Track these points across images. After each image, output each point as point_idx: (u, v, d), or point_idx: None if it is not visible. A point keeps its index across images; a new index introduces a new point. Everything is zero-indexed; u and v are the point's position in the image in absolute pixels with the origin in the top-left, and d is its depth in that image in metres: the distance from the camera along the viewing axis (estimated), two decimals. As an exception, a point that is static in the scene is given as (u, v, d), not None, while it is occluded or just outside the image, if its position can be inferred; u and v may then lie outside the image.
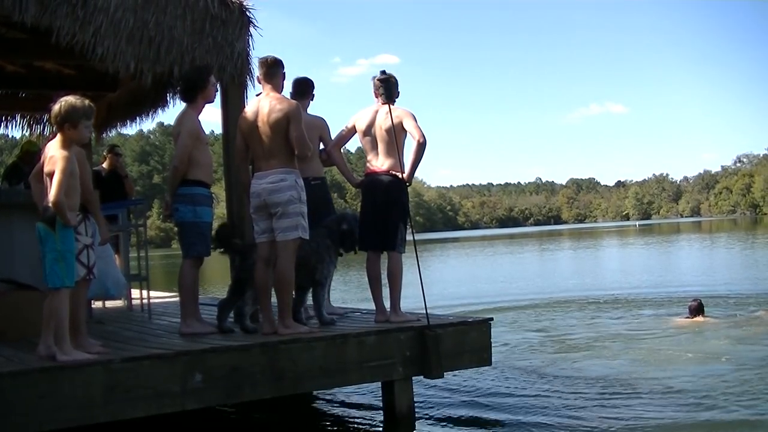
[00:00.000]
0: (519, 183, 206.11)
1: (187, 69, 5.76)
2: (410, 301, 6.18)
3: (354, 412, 5.92)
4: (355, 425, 5.62)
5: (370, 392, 6.22)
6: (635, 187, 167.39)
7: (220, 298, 6.00)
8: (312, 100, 6.39)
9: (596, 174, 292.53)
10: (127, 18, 5.63)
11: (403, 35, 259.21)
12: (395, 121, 5.46)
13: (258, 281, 5.19)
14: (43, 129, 10.06)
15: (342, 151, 6.02)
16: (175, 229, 5.71)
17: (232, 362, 4.59)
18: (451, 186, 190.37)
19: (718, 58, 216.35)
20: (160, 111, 8.56)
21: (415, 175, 5.65)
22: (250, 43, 6.22)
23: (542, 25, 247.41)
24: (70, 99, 4.39)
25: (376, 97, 5.66)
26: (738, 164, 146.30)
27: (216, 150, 7.59)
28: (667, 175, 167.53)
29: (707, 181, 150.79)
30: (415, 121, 5.48)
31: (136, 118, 9.10)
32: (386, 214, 5.51)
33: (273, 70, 5.22)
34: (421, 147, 5.42)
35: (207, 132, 5.89)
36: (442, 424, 5.45)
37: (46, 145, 4.57)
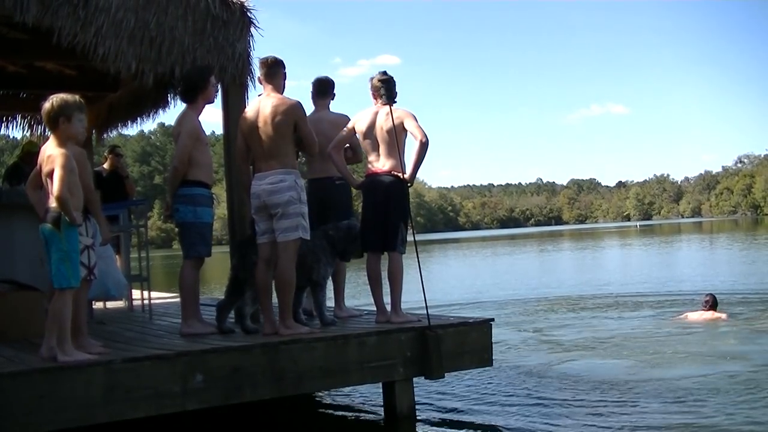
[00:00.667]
0: (520, 183, 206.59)
1: (187, 69, 5.77)
2: (410, 300, 6.16)
3: (355, 413, 5.92)
4: (356, 426, 5.61)
5: (371, 393, 6.21)
6: (636, 187, 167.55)
7: (220, 299, 5.99)
8: (333, 99, 6.39)
9: (597, 174, 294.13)
10: (128, 18, 5.64)
11: (404, 36, 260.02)
12: (396, 121, 5.46)
13: (259, 282, 5.19)
14: (44, 129, 10.05)
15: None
16: (176, 229, 5.71)
17: (233, 363, 4.59)
18: (451, 186, 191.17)
19: (718, 59, 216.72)
20: (161, 111, 8.56)
21: (416, 175, 5.65)
22: (251, 43, 6.23)
23: (543, 25, 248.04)
24: (60, 95, 4.38)
25: (375, 98, 5.65)
26: (739, 165, 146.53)
27: (217, 150, 7.60)
28: (668, 175, 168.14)
29: (708, 182, 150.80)
30: (416, 121, 5.48)
31: (137, 119, 9.10)
32: (386, 214, 5.51)
33: (274, 70, 5.22)
34: (424, 147, 5.42)
35: (208, 132, 5.90)
36: (442, 424, 5.44)
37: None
